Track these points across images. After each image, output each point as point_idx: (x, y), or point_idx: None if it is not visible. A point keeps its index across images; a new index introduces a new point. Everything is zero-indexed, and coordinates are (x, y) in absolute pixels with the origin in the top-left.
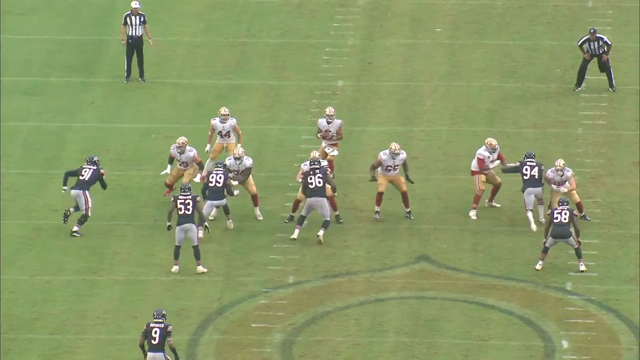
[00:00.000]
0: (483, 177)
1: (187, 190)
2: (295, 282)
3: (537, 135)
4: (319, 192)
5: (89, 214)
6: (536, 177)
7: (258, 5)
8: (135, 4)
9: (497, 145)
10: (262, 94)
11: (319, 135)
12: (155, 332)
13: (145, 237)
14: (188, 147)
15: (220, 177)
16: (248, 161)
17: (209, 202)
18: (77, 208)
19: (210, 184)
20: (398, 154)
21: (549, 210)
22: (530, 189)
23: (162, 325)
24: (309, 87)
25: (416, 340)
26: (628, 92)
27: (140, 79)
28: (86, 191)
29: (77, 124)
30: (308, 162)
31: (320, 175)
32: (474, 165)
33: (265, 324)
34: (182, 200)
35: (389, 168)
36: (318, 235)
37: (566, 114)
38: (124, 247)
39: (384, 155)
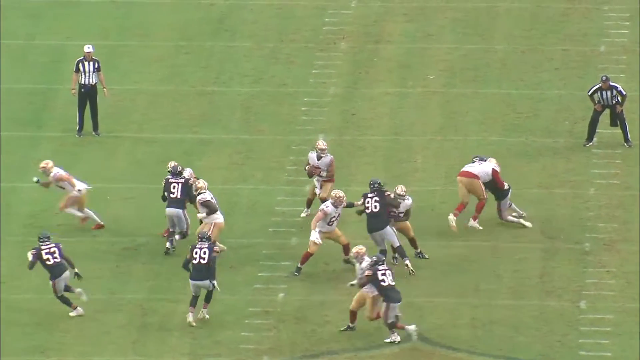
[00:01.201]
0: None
1: (46, 240)
2: None
3: (543, 196)
4: (378, 221)
5: (189, 232)
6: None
7: (228, 49)
8: (89, 48)
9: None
10: (233, 150)
11: (306, 168)
12: None
13: (100, 313)
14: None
15: (205, 252)
16: (208, 194)
17: (192, 282)
18: (173, 228)
19: (194, 261)
20: (403, 195)
21: (369, 271)
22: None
23: None
24: (285, 142)
25: None
26: None
27: (94, 133)
28: (184, 210)
29: (24, 184)
30: (330, 204)
31: (377, 199)
32: (482, 174)
33: None
34: (47, 250)
35: (394, 212)
36: (407, 266)
37: (576, 172)
38: (76, 323)
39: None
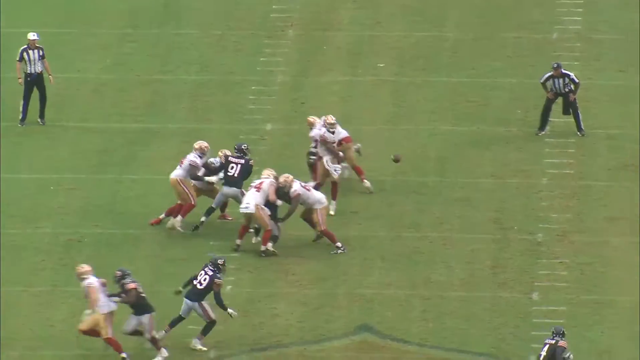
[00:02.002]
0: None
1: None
2: (217, 356)
3: (495, 186)
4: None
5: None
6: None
7: (174, 37)
8: (34, 35)
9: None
10: (179, 139)
11: (317, 143)
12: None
13: (43, 306)
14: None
15: (205, 279)
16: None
17: (185, 299)
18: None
19: (194, 280)
20: (284, 186)
21: (133, 284)
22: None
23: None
24: (233, 131)
25: None
26: (599, 137)
27: (39, 121)
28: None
29: None
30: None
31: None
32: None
33: None
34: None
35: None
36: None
37: (528, 161)
38: (19, 318)
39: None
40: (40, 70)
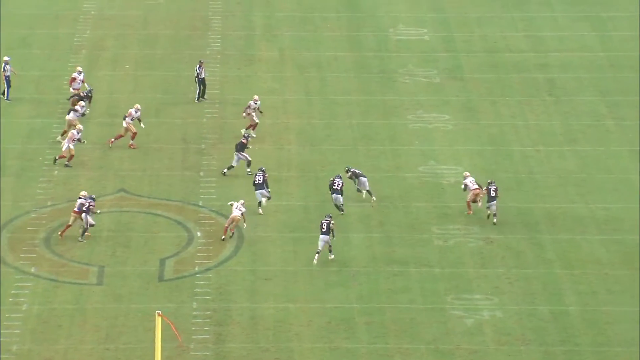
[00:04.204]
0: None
1: None
2: (52, 204)
3: (182, 125)
4: None
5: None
6: None
7: None
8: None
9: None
10: None
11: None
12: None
13: None
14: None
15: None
16: None
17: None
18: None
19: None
20: None
21: None
22: None
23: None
24: None
25: (122, 230)
26: (220, 101)
27: None
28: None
29: None
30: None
31: None
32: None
33: (35, 228)
34: None
35: None
36: None
37: (195, 110)
38: None
39: None
40: None
